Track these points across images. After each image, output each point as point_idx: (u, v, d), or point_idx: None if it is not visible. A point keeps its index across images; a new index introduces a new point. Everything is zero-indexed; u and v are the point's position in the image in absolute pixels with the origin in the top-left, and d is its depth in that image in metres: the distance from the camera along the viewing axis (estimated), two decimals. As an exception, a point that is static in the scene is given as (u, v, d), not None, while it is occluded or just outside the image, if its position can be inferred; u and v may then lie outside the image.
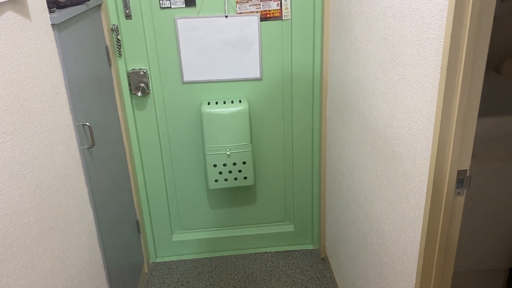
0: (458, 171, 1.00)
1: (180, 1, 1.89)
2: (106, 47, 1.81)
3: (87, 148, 1.48)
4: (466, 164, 0.99)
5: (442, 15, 0.91)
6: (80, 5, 1.50)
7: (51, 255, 1.17)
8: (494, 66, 2.19)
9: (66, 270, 1.26)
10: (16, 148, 1.03)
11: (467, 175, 1.00)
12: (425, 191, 1.06)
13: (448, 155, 0.98)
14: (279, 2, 1.91)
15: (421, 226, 1.10)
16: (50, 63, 1.24)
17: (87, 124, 1.47)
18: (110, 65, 1.85)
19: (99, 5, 1.75)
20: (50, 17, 1.26)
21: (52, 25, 1.27)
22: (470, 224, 1.78)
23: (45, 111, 1.20)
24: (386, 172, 1.31)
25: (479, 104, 0.93)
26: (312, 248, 2.41)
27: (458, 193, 1.02)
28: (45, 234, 1.15)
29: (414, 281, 1.16)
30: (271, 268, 2.27)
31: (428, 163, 1.03)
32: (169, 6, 1.89)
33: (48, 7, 1.31)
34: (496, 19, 2.11)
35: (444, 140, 0.97)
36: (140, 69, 1.98)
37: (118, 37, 1.88)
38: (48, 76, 1.23)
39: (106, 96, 1.78)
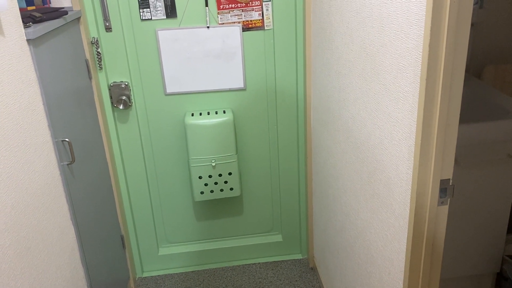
0: (441, 180, 0.99)
1: (161, 13, 1.87)
2: (86, 61, 1.78)
3: (67, 164, 1.45)
4: (448, 173, 0.98)
5: (420, 25, 0.91)
6: (58, 19, 1.47)
7: (29, 277, 1.14)
8: (475, 71, 2.21)
9: (46, 291, 1.23)
10: (-10, 168, 1.00)
11: (450, 184, 1.00)
12: (409, 201, 1.05)
13: (431, 164, 0.97)
14: (260, 12, 1.90)
15: (406, 236, 1.09)
16: (25, 79, 1.21)
17: (67, 140, 1.44)
18: (90, 78, 1.82)
19: (78, 19, 1.72)
20: (25, 32, 1.23)
21: (28, 40, 1.24)
22: (457, 229, 1.78)
23: (21, 129, 1.17)
24: (370, 182, 1.30)
25: (459, 113, 0.93)
26: (301, 257, 2.39)
27: (442, 202, 1.01)
28: (23, 255, 1.11)
29: (401, 292, 1.15)
30: (260, 279, 2.25)
31: (411, 173, 1.02)
32: (150, 18, 1.87)
33: (24, 22, 1.28)
34: (476, 25, 2.13)
35: (426, 150, 0.96)
36: (121, 81, 1.95)
37: (98, 50, 1.86)
38: (24, 93, 1.20)
39: (87, 110, 1.75)
